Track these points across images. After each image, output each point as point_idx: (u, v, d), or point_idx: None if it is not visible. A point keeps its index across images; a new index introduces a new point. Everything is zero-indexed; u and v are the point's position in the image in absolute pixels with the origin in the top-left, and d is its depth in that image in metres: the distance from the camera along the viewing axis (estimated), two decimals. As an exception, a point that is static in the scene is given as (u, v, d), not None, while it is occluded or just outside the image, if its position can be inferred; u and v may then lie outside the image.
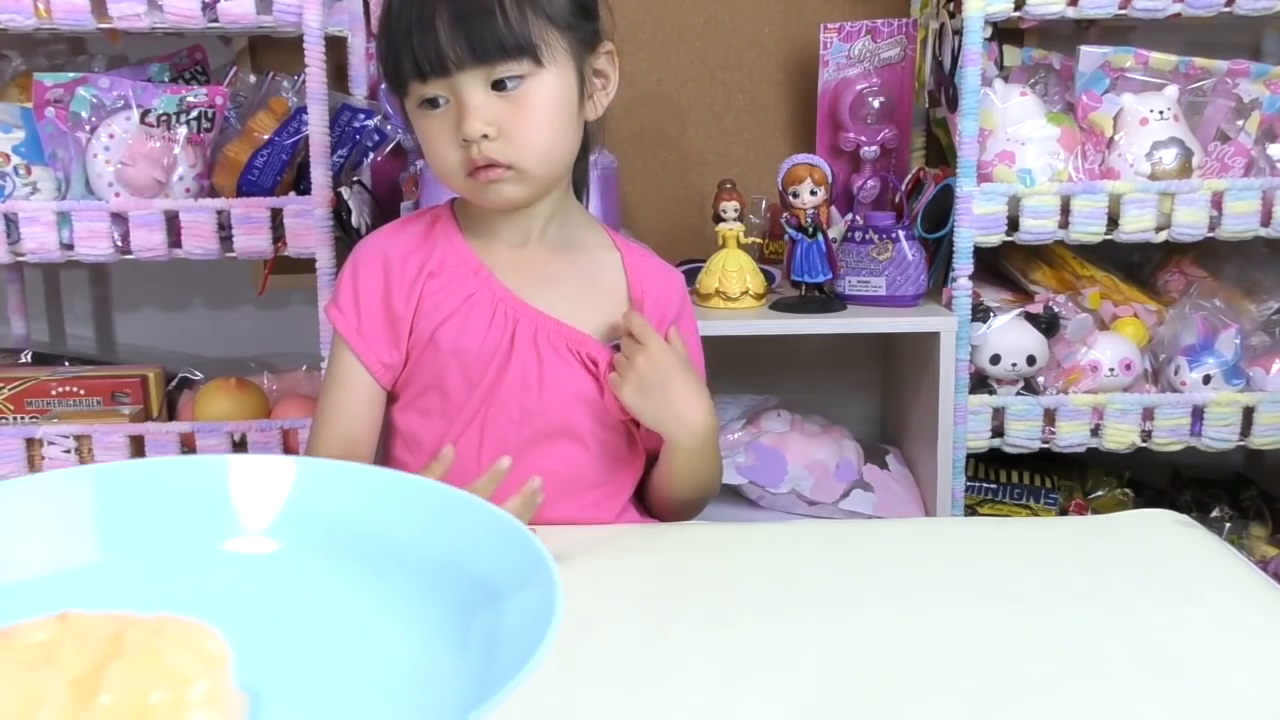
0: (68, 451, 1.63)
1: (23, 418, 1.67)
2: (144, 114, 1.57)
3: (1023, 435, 1.63)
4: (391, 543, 0.50)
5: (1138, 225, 1.58)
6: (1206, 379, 1.62)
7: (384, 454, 1.10)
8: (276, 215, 1.59)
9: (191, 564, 0.48)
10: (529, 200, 1.03)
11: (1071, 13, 1.57)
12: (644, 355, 1.00)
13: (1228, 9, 1.56)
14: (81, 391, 1.68)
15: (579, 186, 1.16)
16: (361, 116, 1.68)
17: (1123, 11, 1.57)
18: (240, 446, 1.65)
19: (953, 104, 1.61)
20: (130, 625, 0.39)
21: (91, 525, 0.48)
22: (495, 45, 0.94)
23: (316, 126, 1.54)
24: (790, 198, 1.61)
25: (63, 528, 0.46)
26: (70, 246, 1.58)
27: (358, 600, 0.48)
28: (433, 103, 0.98)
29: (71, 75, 1.58)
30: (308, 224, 1.58)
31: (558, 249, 1.08)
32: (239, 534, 0.50)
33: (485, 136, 0.96)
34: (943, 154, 1.82)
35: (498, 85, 0.96)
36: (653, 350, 1.00)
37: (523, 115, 0.97)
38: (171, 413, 1.74)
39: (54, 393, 1.68)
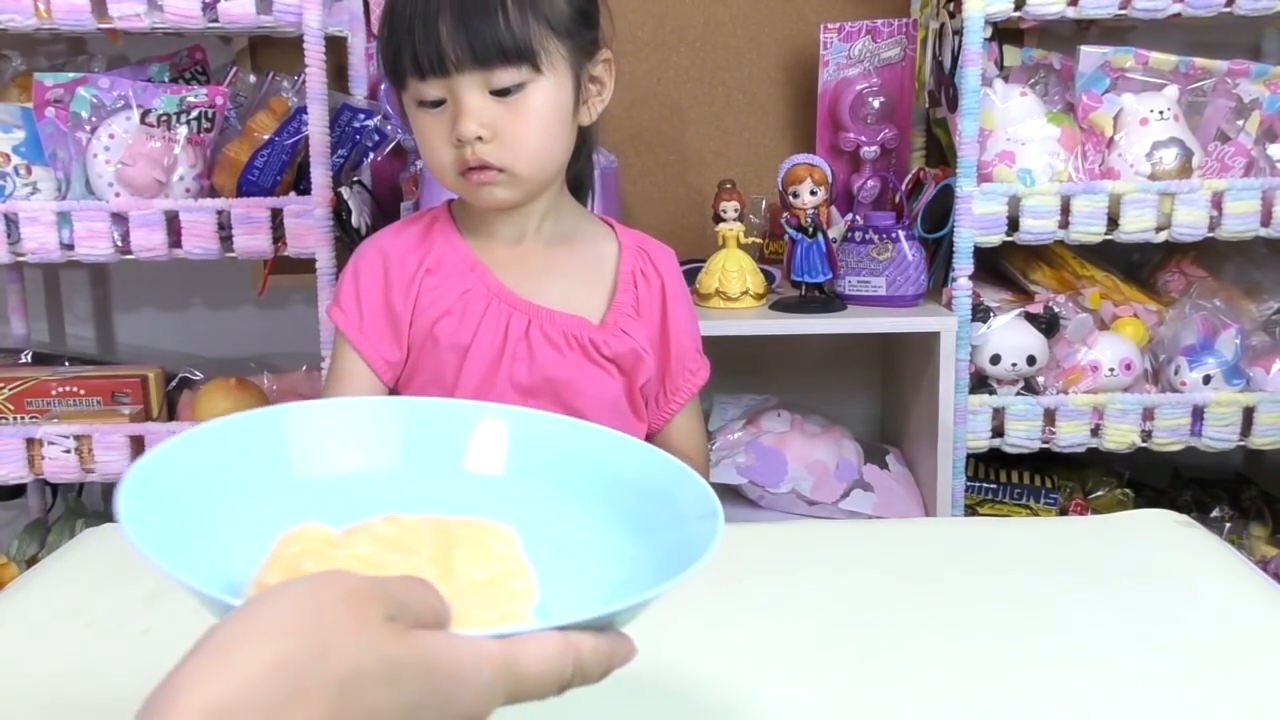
0: (68, 451, 1.63)
1: (23, 418, 1.67)
2: (144, 114, 1.57)
3: (1023, 435, 1.63)
4: (597, 477, 0.63)
5: (1138, 225, 1.58)
6: (1206, 379, 1.62)
7: None
8: (276, 215, 1.59)
9: (444, 477, 0.62)
10: (520, 202, 1.04)
11: (1071, 13, 1.57)
12: None
13: (1228, 9, 1.56)
14: (81, 391, 1.68)
15: (581, 187, 1.17)
16: (361, 116, 1.68)
17: (1123, 12, 1.57)
18: (240, 446, 1.65)
19: (953, 104, 1.61)
20: (444, 522, 0.51)
21: (397, 440, 0.63)
22: (496, 50, 0.95)
23: (316, 126, 1.54)
24: (790, 198, 1.61)
25: (365, 441, 0.62)
26: (70, 246, 1.58)
27: (570, 515, 0.61)
28: (431, 102, 0.99)
29: (72, 75, 1.58)
30: (308, 224, 1.58)
31: (555, 243, 1.09)
32: (477, 459, 0.64)
33: (479, 139, 0.97)
34: (943, 154, 1.82)
35: (496, 91, 0.97)
36: None
37: (518, 120, 0.98)
38: (171, 413, 1.73)
39: (54, 393, 1.68)
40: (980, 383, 1.65)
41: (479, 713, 0.44)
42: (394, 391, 1.09)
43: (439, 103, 0.99)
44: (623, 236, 1.13)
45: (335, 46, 1.72)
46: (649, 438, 1.13)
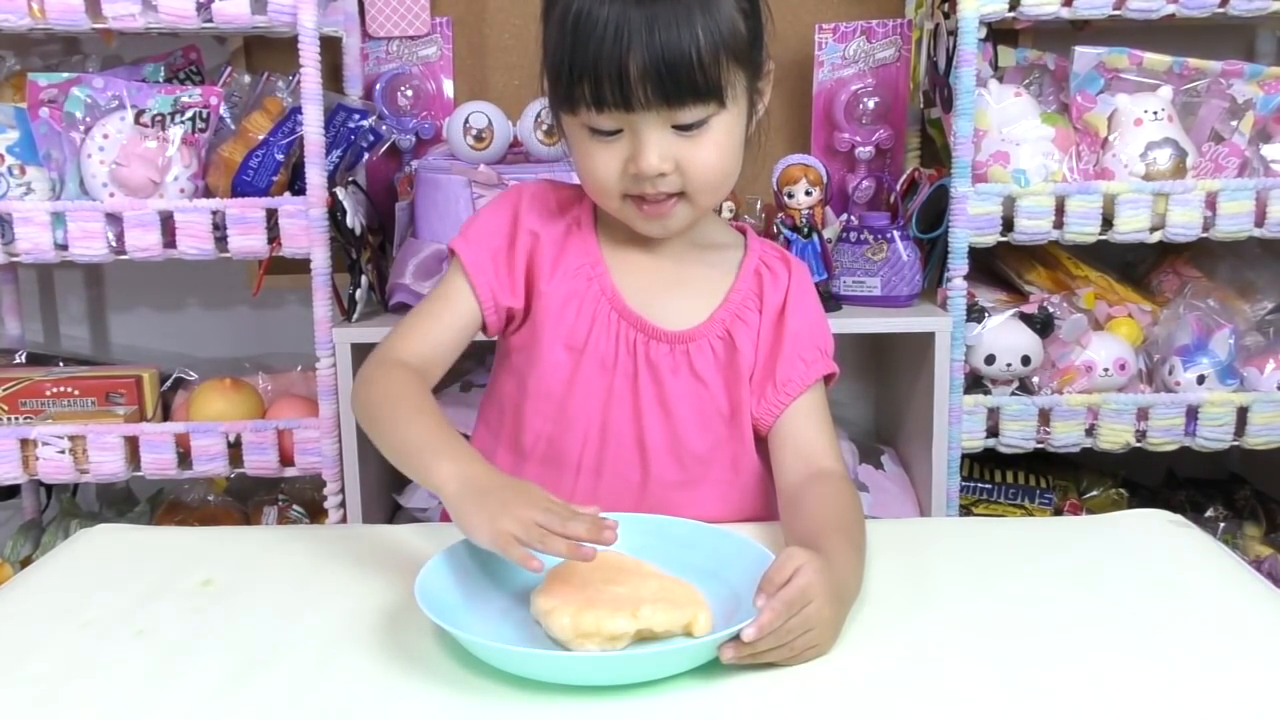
0: (62, 452, 1.62)
1: (17, 418, 1.67)
2: (138, 114, 1.56)
3: (1018, 435, 1.64)
4: (697, 552, 0.90)
5: (1132, 226, 1.58)
6: (1201, 379, 1.62)
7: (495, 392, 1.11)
8: (271, 215, 1.59)
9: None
10: (688, 227, 1.03)
11: (1066, 13, 1.58)
12: (798, 635, 0.76)
13: (1221, 10, 1.57)
14: (76, 392, 1.68)
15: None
16: (356, 117, 1.67)
17: (1117, 12, 1.58)
18: (235, 447, 1.65)
19: (947, 104, 1.61)
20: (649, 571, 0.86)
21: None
22: (688, 90, 0.91)
23: (311, 127, 1.54)
24: (785, 198, 1.62)
25: None
26: (65, 247, 1.57)
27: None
28: (604, 131, 0.95)
29: (66, 75, 1.58)
30: (303, 224, 1.58)
31: (689, 250, 1.07)
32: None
33: (661, 174, 0.95)
34: (937, 154, 1.83)
35: (679, 125, 0.94)
36: (793, 624, 0.76)
37: (701, 151, 0.95)
38: (166, 413, 1.73)
39: (48, 393, 1.67)
40: (975, 383, 1.65)
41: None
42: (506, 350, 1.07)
43: (613, 132, 0.95)
44: (753, 242, 1.10)
45: (330, 46, 1.72)
46: (766, 433, 1.07)
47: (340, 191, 1.57)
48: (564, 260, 1.05)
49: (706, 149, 0.95)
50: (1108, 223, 1.59)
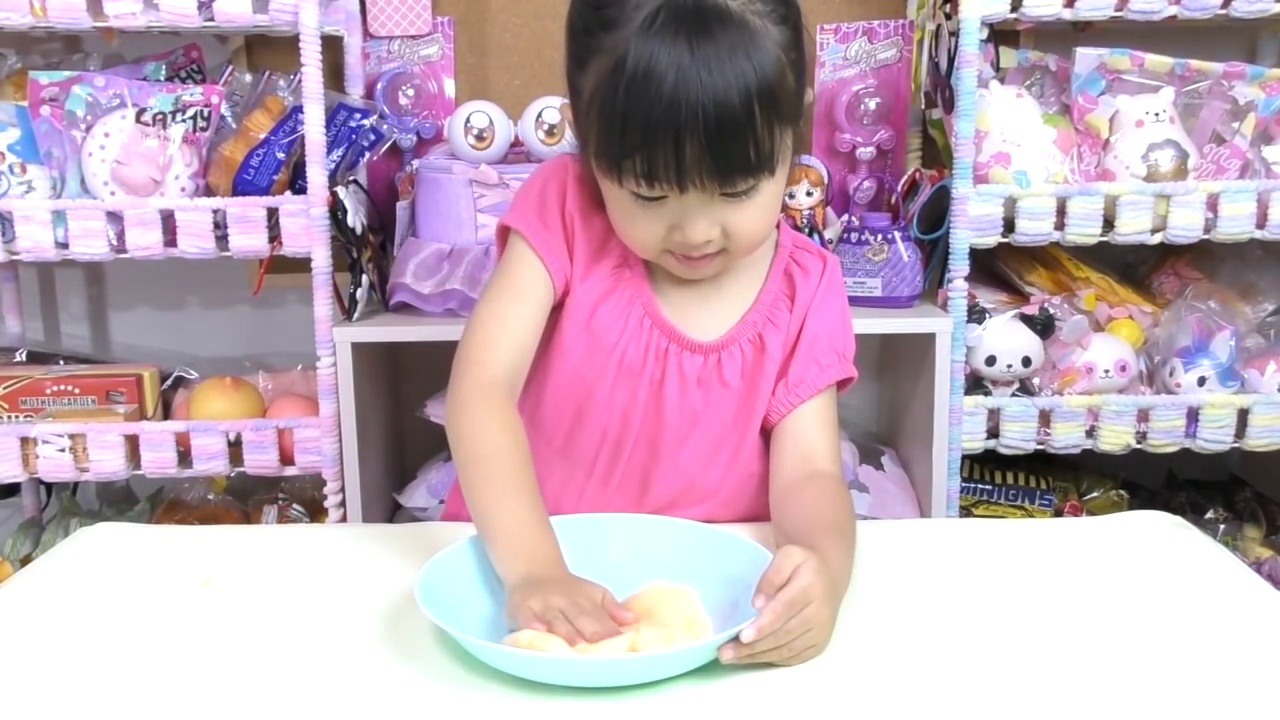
0: (62, 451, 1.62)
1: (17, 416, 1.67)
2: (139, 113, 1.56)
3: (1018, 436, 1.64)
4: (697, 552, 0.91)
5: (1133, 227, 1.58)
6: (1201, 381, 1.62)
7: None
8: (272, 214, 1.59)
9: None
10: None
11: (1067, 14, 1.58)
12: (797, 636, 0.77)
13: (1223, 11, 1.57)
14: (76, 390, 1.68)
15: None
16: (358, 116, 1.67)
17: (1118, 13, 1.58)
18: (235, 446, 1.65)
19: (949, 105, 1.61)
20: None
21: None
22: (742, 167, 0.89)
23: (312, 126, 1.54)
24: (786, 199, 1.62)
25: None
26: (65, 245, 1.57)
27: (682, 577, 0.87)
28: (649, 197, 0.92)
29: (67, 74, 1.58)
30: (303, 223, 1.57)
31: None
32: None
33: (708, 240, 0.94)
34: (939, 155, 1.83)
35: (727, 193, 0.92)
36: (792, 625, 0.76)
37: (746, 214, 0.94)
38: (167, 412, 1.73)
39: (49, 391, 1.67)
40: (976, 384, 1.65)
41: None
42: (556, 311, 1.04)
43: (657, 198, 0.92)
44: (783, 238, 1.09)
45: (331, 46, 1.72)
46: (772, 427, 1.07)
47: (341, 191, 1.57)
48: (600, 256, 1.02)
49: (753, 212, 0.94)
50: (1109, 224, 1.59)
